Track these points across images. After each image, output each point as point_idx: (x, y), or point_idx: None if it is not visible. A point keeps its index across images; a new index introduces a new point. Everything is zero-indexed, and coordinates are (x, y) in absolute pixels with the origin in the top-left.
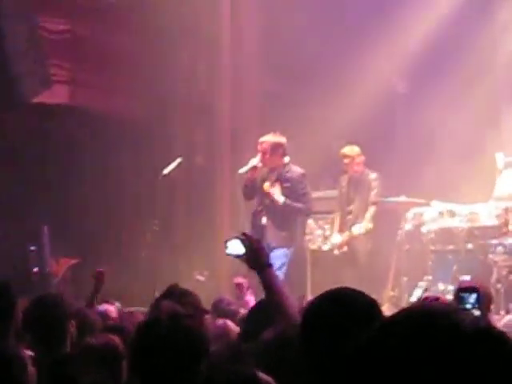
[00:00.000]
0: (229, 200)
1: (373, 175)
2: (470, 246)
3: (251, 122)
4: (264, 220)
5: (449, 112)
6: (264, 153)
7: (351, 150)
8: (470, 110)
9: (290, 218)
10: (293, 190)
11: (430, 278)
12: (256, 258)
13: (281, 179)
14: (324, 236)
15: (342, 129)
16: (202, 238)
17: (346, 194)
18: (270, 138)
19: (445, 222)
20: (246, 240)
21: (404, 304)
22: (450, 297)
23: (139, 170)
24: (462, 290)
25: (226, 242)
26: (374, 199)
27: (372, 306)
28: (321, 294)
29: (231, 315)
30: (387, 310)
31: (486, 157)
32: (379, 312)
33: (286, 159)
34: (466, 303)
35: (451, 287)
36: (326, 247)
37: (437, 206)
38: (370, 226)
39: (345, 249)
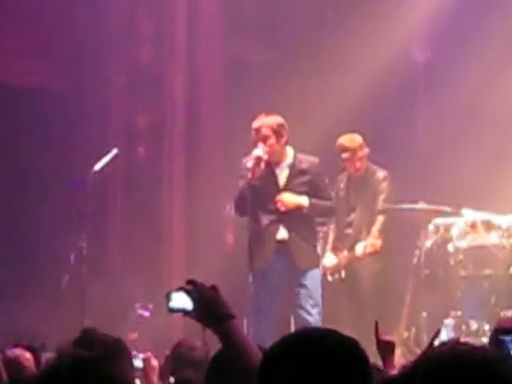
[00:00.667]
0: (183, 206)
1: (381, 174)
2: None
3: (214, 100)
4: (282, 234)
5: (485, 89)
6: (266, 141)
7: (351, 140)
8: None
9: (314, 225)
10: (313, 184)
11: (459, 313)
12: (210, 312)
13: (295, 173)
14: None
15: (341, 112)
16: (146, 258)
17: (344, 199)
18: (268, 121)
19: (480, 237)
20: (196, 291)
21: (423, 348)
22: (485, 340)
23: (58, 164)
24: (503, 332)
25: (169, 294)
26: (383, 206)
27: (356, 358)
28: (283, 338)
29: (196, 365)
30: (400, 356)
31: None
32: (366, 366)
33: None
34: (507, 348)
35: (487, 326)
36: None
37: (469, 215)
38: (378, 243)
39: (342, 274)
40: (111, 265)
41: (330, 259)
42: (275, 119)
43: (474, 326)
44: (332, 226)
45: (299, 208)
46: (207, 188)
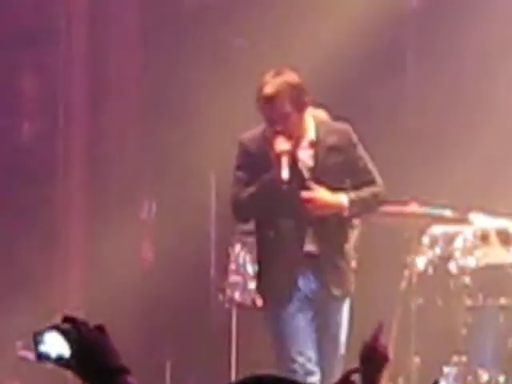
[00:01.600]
0: (84, 205)
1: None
2: None
3: (127, 54)
4: (311, 246)
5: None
6: (285, 120)
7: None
8: None
9: (350, 231)
10: (348, 164)
11: (464, 359)
12: (92, 363)
13: (322, 153)
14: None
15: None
16: (32, 277)
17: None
18: (284, 86)
19: (494, 253)
20: (75, 331)
21: None
22: None
23: None
24: None
25: (39, 335)
26: None
27: None
28: None
29: None
30: None
31: None
32: None
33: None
34: None
35: (503, 378)
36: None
37: (479, 222)
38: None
39: None
40: None
41: None
42: (293, 79)
43: (484, 376)
44: None
45: (338, 209)
46: (118, 181)
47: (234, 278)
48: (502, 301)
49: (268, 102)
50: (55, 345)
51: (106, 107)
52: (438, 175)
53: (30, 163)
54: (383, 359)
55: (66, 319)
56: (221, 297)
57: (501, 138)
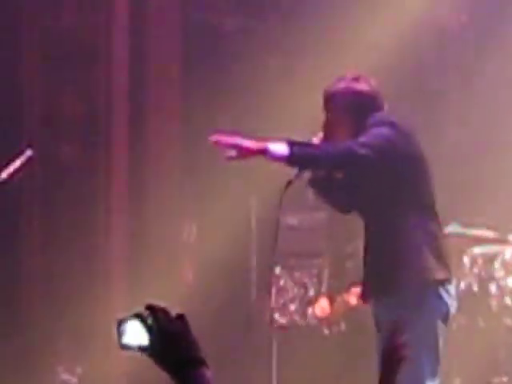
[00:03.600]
0: (124, 228)
1: None
2: None
3: (166, 79)
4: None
5: None
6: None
7: None
8: None
9: None
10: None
11: (505, 380)
12: (171, 353)
13: None
14: (304, 300)
15: None
16: (72, 301)
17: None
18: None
19: None
20: (155, 318)
21: None
22: None
23: None
24: None
25: (121, 324)
26: None
27: None
28: None
29: None
30: None
31: None
32: None
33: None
34: None
35: None
36: (304, 321)
37: None
38: (352, 300)
39: (342, 326)
40: (25, 310)
41: (322, 306)
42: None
43: None
44: (327, 256)
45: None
46: (158, 204)
47: (275, 301)
48: None
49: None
50: (136, 333)
51: (144, 128)
52: (479, 195)
53: (72, 187)
54: (401, 358)
55: (148, 307)
56: (262, 319)
57: None
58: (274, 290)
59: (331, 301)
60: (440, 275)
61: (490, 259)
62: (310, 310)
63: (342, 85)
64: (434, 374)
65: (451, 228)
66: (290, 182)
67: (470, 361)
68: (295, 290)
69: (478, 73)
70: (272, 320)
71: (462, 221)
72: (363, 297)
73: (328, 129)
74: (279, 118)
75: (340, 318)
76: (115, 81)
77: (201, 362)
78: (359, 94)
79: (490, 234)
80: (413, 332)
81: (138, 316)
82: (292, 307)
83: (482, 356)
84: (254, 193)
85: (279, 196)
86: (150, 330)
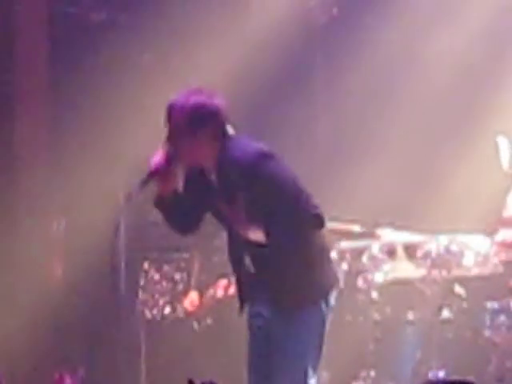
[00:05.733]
0: None
1: None
2: (446, 313)
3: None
4: None
5: (406, 58)
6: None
7: None
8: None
9: None
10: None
11: (373, 373)
12: None
13: None
14: (173, 294)
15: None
16: None
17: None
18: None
19: (401, 268)
20: None
21: None
22: None
23: None
24: None
25: None
26: None
27: None
28: None
29: None
30: None
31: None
32: None
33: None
34: None
35: None
36: (173, 315)
37: (387, 237)
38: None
39: (207, 321)
40: None
41: (191, 299)
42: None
43: None
44: (197, 251)
45: None
46: (27, 198)
47: (143, 295)
48: (409, 316)
49: None
50: None
51: (12, 122)
52: (346, 189)
53: None
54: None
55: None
56: (131, 313)
57: (411, 155)
58: (142, 284)
59: (200, 294)
60: (324, 280)
61: (357, 253)
62: (179, 304)
63: (181, 98)
64: (315, 371)
65: None
66: (130, 195)
67: (337, 355)
68: (164, 283)
69: (348, 67)
70: (141, 314)
71: (329, 215)
72: (240, 300)
73: (170, 141)
74: (136, 113)
75: (209, 312)
76: None
77: None
78: (198, 107)
79: (357, 227)
80: (298, 329)
81: None
82: (161, 301)
83: (349, 350)
84: (122, 187)
85: (120, 209)
86: None
